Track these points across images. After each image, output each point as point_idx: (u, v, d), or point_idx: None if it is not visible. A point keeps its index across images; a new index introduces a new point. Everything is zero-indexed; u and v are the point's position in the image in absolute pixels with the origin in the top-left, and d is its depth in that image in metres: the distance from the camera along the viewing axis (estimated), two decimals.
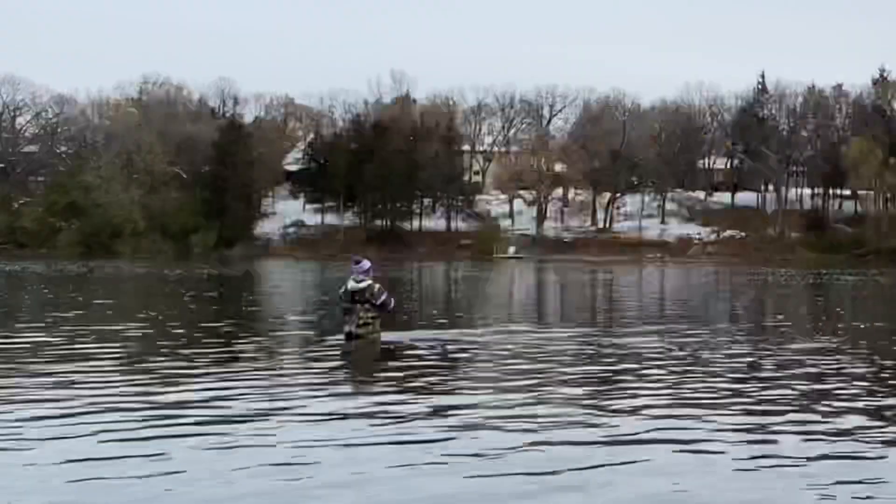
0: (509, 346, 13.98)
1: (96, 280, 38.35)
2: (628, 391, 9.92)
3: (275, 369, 11.52)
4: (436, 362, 12.24)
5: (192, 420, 8.05)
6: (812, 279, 45.21)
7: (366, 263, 14.23)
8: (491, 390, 9.92)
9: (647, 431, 7.79)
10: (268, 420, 8.13)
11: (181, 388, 9.82)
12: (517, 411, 8.60)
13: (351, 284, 13.90)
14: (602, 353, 13.40)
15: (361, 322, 13.88)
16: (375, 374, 11.54)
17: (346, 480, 6.20)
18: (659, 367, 11.91)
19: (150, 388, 9.85)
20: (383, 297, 13.88)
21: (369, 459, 6.73)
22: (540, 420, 8.20)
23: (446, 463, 6.69)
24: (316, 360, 12.52)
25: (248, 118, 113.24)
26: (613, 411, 8.70)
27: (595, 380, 10.79)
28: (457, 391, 9.92)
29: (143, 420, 8.03)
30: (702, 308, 25.66)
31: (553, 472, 6.46)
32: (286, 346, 14.53)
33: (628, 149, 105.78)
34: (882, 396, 9.85)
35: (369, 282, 13.89)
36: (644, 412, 8.66)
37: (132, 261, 68.25)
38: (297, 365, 12.06)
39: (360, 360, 13.05)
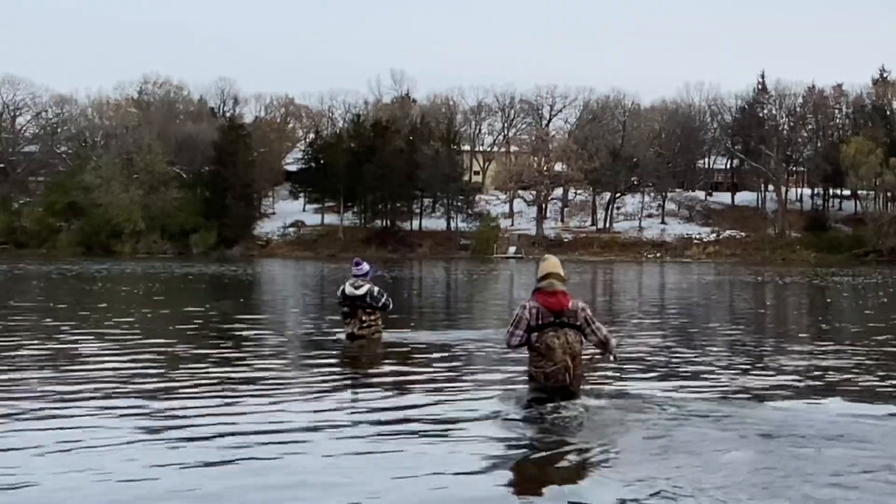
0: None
1: (141, 279, 38.17)
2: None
3: (277, 370, 11.52)
4: (438, 362, 12.23)
5: (196, 418, 8.07)
6: (851, 279, 45.03)
7: (364, 266, 14.26)
8: (494, 391, 9.92)
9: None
10: (270, 422, 8.12)
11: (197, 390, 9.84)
12: (522, 413, 8.59)
13: (349, 290, 13.90)
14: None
15: (364, 325, 13.94)
16: (377, 375, 11.53)
17: (347, 482, 6.19)
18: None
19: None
20: (383, 300, 13.94)
21: (369, 460, 6.73)
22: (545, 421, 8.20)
23: (445, 464, 6.68)
24: (318, 359, 12.53)
25: (248, 118, 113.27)
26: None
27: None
28: (459, 391, 9.91)
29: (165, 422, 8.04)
30: (801, 315, 24.20)
31: (555, 473, 6.46)
32: (289, 345, 14.54)
33: (628, 149, 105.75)
34: None
35: (367, 287, 13.90)
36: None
37: (171, 259, 68.29)
38: (298, 364, 12.07)
39: (361, 359, 13.04)
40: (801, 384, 10.64)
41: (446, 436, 7.56)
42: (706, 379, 10.86)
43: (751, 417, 8.21)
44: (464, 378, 10.81)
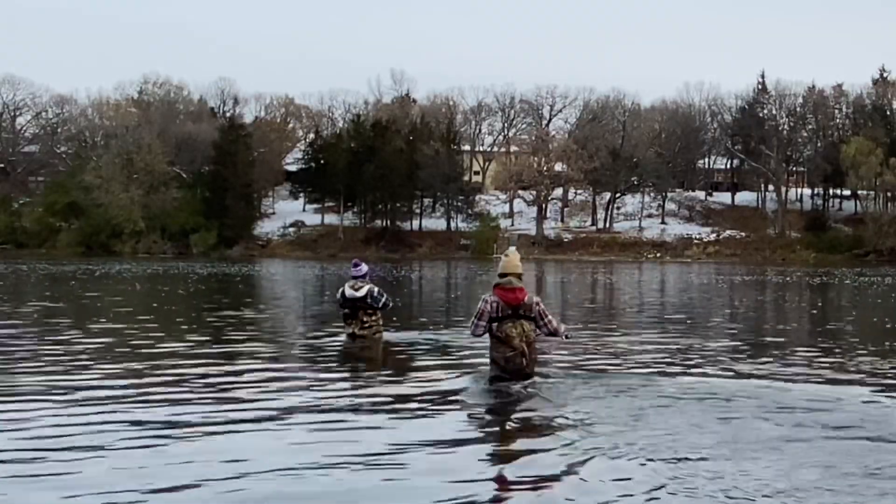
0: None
1: (176, 279, 38.13)
2: None
3: (278, 370, 11.52)
4: (441, 361, 12.23)
5: (195, 417, 8.07)
6: (880, 279, 44.98)
7: (363, 267, 14.28)
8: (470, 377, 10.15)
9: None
10: (271, 421, 8.13)
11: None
12: (527, 409, 8.60)
13: (349, 292, 13.91)
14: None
15: (366, 325, 13.96)
16: (379, 375, 11.53)
17: (346, 484, 6.19)
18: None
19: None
20: (383, 300, 13.97)
21: (370, 462, 6.72)
22: (547, 423, 8.20)
23: (446, 466, 6.68)
24: (319, 359, 12.54)
25: (248, 118, 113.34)
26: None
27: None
28: (451, 383, 9.95)
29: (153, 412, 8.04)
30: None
31: (558, 472, 6.46)
32: (288, 345, 14.54)
33: (628, 149, 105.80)
34: None
35: (367, 288, 13.91)
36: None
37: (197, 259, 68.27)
38: (299, 365, 12.08)
39: (364, 359, 13.05)
40: (873, 381, 10.70)
41: (447, 437, 7.58)
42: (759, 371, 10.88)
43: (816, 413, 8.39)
44: (456, 373, 10.81)
